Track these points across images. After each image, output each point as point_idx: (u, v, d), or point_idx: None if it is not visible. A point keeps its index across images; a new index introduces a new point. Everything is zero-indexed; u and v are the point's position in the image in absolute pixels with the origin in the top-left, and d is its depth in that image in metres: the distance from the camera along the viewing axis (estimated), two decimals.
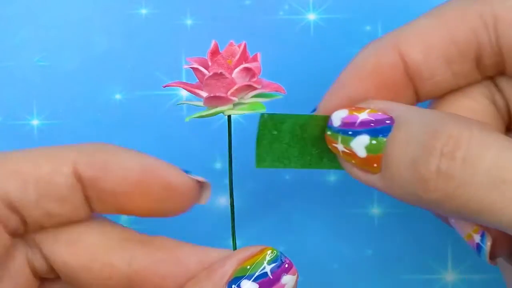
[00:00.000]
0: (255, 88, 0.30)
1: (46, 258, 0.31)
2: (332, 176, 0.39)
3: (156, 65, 0.39)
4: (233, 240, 0.31)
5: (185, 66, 0.29)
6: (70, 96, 0.39)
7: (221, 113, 0.29)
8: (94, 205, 0.31)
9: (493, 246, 0.30)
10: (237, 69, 0.29)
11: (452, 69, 0.31)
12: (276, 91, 0.30)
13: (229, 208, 0.31)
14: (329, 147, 0.31)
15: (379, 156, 0.29)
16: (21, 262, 0.30)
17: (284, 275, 0.29)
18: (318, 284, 0.38)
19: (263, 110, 0.29)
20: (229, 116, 0.30)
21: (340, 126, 0.30)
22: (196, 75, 0.30)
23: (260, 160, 0.31)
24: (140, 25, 0.39)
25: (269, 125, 0.31)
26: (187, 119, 0.29)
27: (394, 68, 0.31)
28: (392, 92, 0.31)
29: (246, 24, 0.39)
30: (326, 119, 0.31)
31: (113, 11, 0.39)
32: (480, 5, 0.30)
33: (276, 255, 0.29)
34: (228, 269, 0.29)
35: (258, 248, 0.29)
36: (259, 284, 0.29)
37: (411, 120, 0.29)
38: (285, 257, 0.29)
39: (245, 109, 0.29)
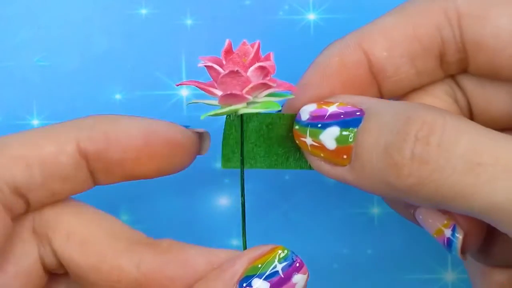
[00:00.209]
0: (270, 87, 0.29)
1: (57, 256, 0.31)
2: None
3: (156, 65, 0.39)
4: (243, 239, 0.31)
5: (200, 65, 0.29)
6: (70, 96, 0.39)
7: (235, 112, 0.29)
8: (100, 178, 0.31)
9: (464, 240, 0.30)
10: (252, 68, 0.29)
11: (416, 67, 0.31)
12: (289, 90, 0.30)
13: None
14: (297, 142, 0.31)
15: (349, 147, 0.29)
16: (34, 257, 0.31)
17: (295, 274, 0.29)
18: (318, 284, 0.38)
19: (277, 109, 0.29)
20: (241, 115, 0.30)
21: (308, 119, 0.30)
22: (210, 73, 0.29)
23: (225, 161, 0.31)
24: (140, 25, 0.39)
25: (236, 125, 0.31)
26: (202, 117, 0.29)
27: (358, 65, 0.31)
28: (358, 90, 0.31)
29: (246, 24, 0.39)
30: (293, 118, 0.31)
31: (113, 11, 0.39)
32: (444, 1, 0.30)
33: (287, 254, 0.29)
34: (239, 268, 0.29)
35: (269, 247, 0.29)
36: (270, 282, 0.28)
37: (382, 110, 0.29)
38: (296, 256, 0.29)
39: (259, 107, 0.29)
